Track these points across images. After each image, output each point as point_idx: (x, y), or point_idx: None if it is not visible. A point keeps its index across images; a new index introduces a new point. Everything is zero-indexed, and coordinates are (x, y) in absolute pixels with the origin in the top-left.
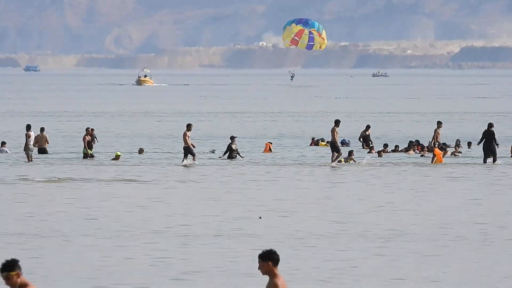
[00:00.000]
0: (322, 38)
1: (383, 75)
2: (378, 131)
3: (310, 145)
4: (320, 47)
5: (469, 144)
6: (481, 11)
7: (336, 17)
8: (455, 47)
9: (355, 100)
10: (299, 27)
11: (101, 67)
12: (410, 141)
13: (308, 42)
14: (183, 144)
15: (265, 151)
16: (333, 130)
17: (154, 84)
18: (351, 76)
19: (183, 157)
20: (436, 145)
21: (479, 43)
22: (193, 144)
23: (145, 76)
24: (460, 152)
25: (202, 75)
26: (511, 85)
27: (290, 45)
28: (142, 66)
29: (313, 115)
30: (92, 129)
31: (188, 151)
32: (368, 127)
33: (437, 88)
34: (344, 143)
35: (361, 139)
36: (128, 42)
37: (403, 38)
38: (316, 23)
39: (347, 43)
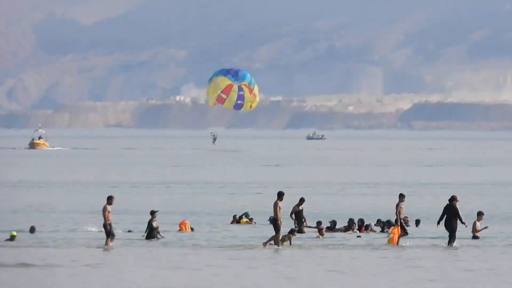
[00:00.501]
0: (254, 94)
1: (319, 138)
2: (313, 206)
3: (231, 223)
4: (250, 107)
5: (417, 222)
6: (438, 59)
7: (268, 65)
8: (405, 103)
9: (286, 168)
10: (227, 80)
11: None
12: (350, 219)
13: (236, 100)
14: (103, 221)
15: (181, 230)
16: (275, 205)
17: (50, 148)
18: (283, 139)
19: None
20: (398, 222)
21: (434, 98)
22: (110, 223)
23: (40, 137)
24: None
25: (108, 137)
26: (471, 150)
27: (216, 104)
28: (37, 125)
29: (238, 186)
30: None
31: (105, 229)
32: (301, 200)
33: (382, 154)
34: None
35: (293, 215)
36: (23, 95)
37: (345, 92)
38: (248, 75)
39: (279, 98)
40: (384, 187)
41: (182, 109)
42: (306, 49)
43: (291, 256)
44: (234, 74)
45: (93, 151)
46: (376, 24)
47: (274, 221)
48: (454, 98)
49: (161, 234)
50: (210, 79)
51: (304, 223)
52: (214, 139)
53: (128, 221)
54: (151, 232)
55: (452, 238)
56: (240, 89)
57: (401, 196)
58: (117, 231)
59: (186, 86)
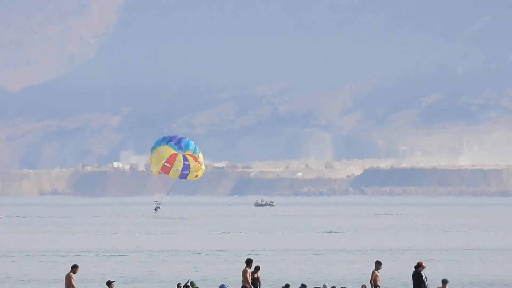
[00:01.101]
0: (199, 162)
1: (268, 204)
2: (270, 272)
3: None
4: (196, 176)
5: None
6: (389, 123)
7: (209, 131)
8: (356, 168)
9: (236, 235)
10: (171, 150)
11: None
12: (302, 284)
13: (182, 170)
14: None
15: None
16: (244, 272)
17: None
18: (229, 205)
19: None
20: None
21: (386, 163)
22: None
23: None
24: None
25: (43, 204)
26: (427, 216)
27: (160, 173)
28: None
29: (181, 254)
30: None
31: None
32: (257, 268)
33: (337, 220)
34: None
35: (247, 285)
36: None
37: (292, 158)
38: (192, 143)
39: (223, 164)
40: (344, 253)
41: (121, 176)
42: (248, 114)
43: None
44: (177, 142)
45: (30, 219)
46: (321, 88)
47: None
48: (407, 163)
49: None
50: (153, 148)
51: None
52: (157, 207)
53: None
54: None
55: None
56: (185, 158)
57: (378, 264)
58: None
59: (125, 153)
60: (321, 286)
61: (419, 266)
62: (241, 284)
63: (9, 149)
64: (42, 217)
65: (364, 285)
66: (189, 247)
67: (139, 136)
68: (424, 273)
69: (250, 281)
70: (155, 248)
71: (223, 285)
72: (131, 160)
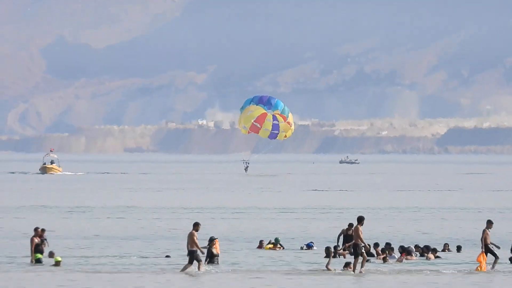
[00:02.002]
0: (288, 123)
1: (353, 162)
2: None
3: (258, 247)
4: (285, 136)
5: (458, 248)
6: (474, 83)
7: (294, 89)
8: (440, 127)
9: (328, 193)
10: (260, 109)
11: (5, 150)
12: (387, 243)
13: (271, 130)
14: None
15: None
16: (357, 230)
17: (64, 172)
18: (313, 163)
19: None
20: (482, 249)
21: (470, 123)
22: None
23: (52, 162)
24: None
25: (128, 161)
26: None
27: (249, 132)
28: (49, 149)
29: (269, 212)
30: (43, 230)
31: (192, 255)
32: (350, 225)
33: (424, 178)
34: (310, 246)
35: (339, 239)
36: (36, 120)
37: (377, 116)
38: (281, 103)
39: (308, 123)
40: (434, 211)
41: (205, 133)
42: (333, 73)
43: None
44: (266, 102)
45: (117, 175)
46: (406, 48)
47: (355, 246)
48: (492, 122)
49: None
50: (242, 107)
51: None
52: (247, 167)
53: (163, 246)
54: (212, 259)
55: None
56: (274, 118)
57: (489, 223)
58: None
59: (210, 110)
60: (412, 246)
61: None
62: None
63: (94, 106)
64: (129, 174)
65: (447, 243)
66: (277, 204)
67: (223, 94)
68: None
69: (362, 238)
70: (245, 206)
71: (311, 242)
72: (215, 117)
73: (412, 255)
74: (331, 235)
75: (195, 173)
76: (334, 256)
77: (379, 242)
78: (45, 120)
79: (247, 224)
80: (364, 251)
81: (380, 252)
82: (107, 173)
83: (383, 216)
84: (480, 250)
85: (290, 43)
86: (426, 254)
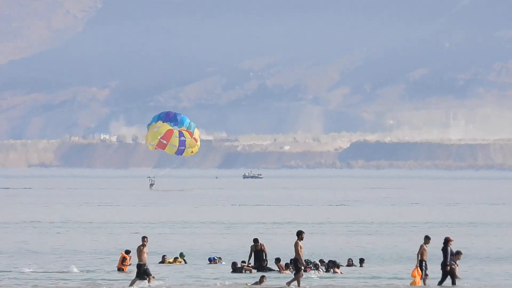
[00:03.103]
0: (194, 139)
1: (256, 176)
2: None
3: (160, 263)
4: (192, 152)
5: (361, 261)
6: (377, 97)
7: (197, 104)
8: (344, 142)
9: (227, 207)
10: (167, 125)
11: None
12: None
13: (178, 146)
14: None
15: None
16: (296, 244)
17: None
18: (216, 177)
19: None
20: (417, 264)
21: (373, 137)
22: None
23: None
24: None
25: (29, 176)
26: (412, 189)
27: (156, 148)
28: None
29: (173, 226)
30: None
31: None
32: (255, 240)
33: (328, 193)
34: (212, 260)
35: (251, 255)
36: None
37: (279, 132)
38: (187, 119)
39: (211, 138)
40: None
41: (108, 148)
42: (236, 88)
43: None
44: (173, 118)
45: (24, 191)
46: (308, 63)
47: (295, 261)
48: (394, 137)
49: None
50: (149, 124)
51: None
52: (152, 184)
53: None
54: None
55: (452, 278)
56: (180, 134)
57: (426, 238)
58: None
59: (113, 125)
60: (317, 261)
61: (447, 242)
62: (233, 256)
63: None
64: (36, 189)
65: (351, 259)
66: (180, 219)
67: (126, 109)
68: (450, 248)
69: (302, 254)
70: (147, 220)
71: (211, 257)
72: (118, 131)
73: (319, 270)
74: (238, 250)
75: (99, 188)
76: (241, 272)
77: (280, 257)
78: None
79: (152, 238)
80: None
81: (283, 266)
82: (7, 188)
83: (289, 230)
84: (415, 265)
85: (192, 58)
86: (332, 269)
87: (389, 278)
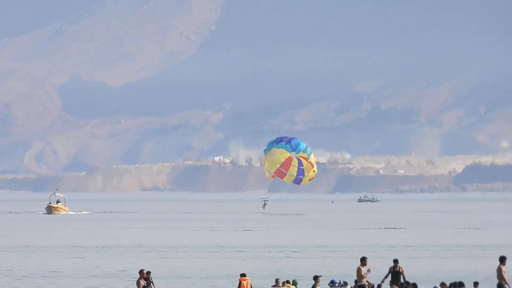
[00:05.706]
0: (310, 163)
1: (371, 200)
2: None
3: (273, 286)
4: (309, 179)
5: (475, 284)
6: (490, 120)
7: (311, 127)
8: (458, 165)
9: (358, 231)
10: (286, 152)
11: (22, 190)
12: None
13: (296, 175)
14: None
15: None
16: (359, 270)
17: (70, 212)
18: (332, 202)
19: None
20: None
21: (487, 159)
22: None
23: (58, 201)
24: None
25: (143, 200)
26: None
27: (274, 176)
28: (55, 189)
29: (306, 251)
30: (148, 272)
31: None
32: (395, 261)
33: (446, 216)
34: (334, 283)
35: (387, 277)
36: (52, 159)
37: (393, 154)
38: (302, 144)
39: (324, 161)
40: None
41: (221, 170)
42: (350, 110)
43: None
44: (287, 142)
45: (130, 215)
46: (421, 84)
47: (360, 286)
48: (509, 159)
49: None
50: (266, 150)
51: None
52: (265, 205)
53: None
54: None
55: None
56: (299, 163)
57: (502, 259)
58: None
59: (229, 147)
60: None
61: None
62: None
63: (110, 146)
64: (144, 213)
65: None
66: (296, 243)
67: (240, 133)
68: None
69: (365, 278)
70: (264, 244)
71: (334, 280)
72: (232, 154)
73: None
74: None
75: (214, 212)
76: None
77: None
78: (61, 159)
79: (263, 263)
80: None
81: None
82: (121, 212)
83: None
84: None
85: (305, 81)
86: None
87: None
